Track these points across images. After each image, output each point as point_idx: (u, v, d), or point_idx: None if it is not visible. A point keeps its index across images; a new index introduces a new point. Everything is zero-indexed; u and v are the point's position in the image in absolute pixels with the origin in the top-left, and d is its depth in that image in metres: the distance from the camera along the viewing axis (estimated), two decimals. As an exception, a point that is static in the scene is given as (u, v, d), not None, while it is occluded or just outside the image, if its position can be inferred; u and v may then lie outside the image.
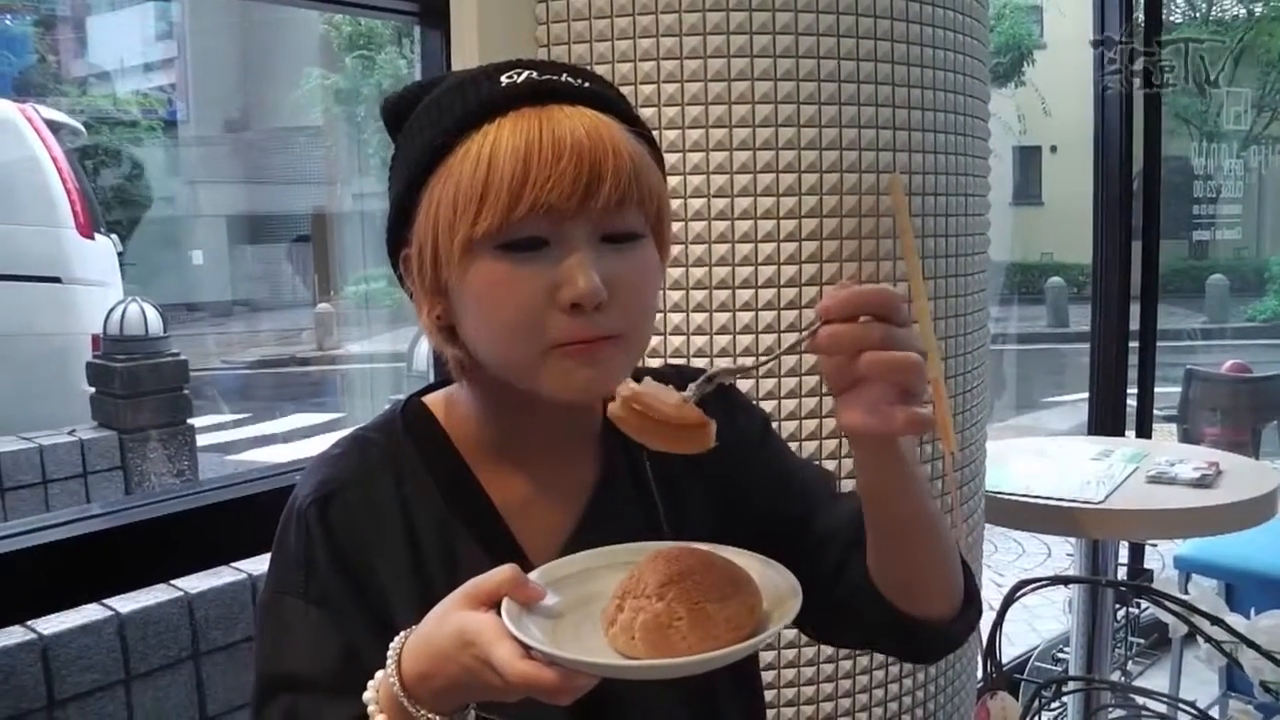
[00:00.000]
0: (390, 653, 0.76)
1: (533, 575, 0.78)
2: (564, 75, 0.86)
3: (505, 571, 0.74)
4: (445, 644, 0.73)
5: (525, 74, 0.85)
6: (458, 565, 0.76)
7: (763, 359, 0.89)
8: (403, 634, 0.77)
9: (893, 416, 0.76)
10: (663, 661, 0.73)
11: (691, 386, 0.79)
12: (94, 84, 12.18)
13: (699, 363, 1.53)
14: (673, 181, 1.52)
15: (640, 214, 0.85)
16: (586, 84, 0.87)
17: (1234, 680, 3.00)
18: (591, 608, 0.78)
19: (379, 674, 0.77)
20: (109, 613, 1.40)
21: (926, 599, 0.92)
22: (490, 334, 0.86)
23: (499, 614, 0.72)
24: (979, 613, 0.98)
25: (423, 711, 0.75)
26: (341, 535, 0.88)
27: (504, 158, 0.80)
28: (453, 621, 0.73)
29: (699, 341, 1.54)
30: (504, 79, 0.84)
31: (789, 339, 1.53)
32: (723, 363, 1.53)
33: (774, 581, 0.80)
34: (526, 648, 0.70)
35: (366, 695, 0.77)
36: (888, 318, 0.75)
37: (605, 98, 0.87)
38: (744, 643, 0.74)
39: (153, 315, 3.92)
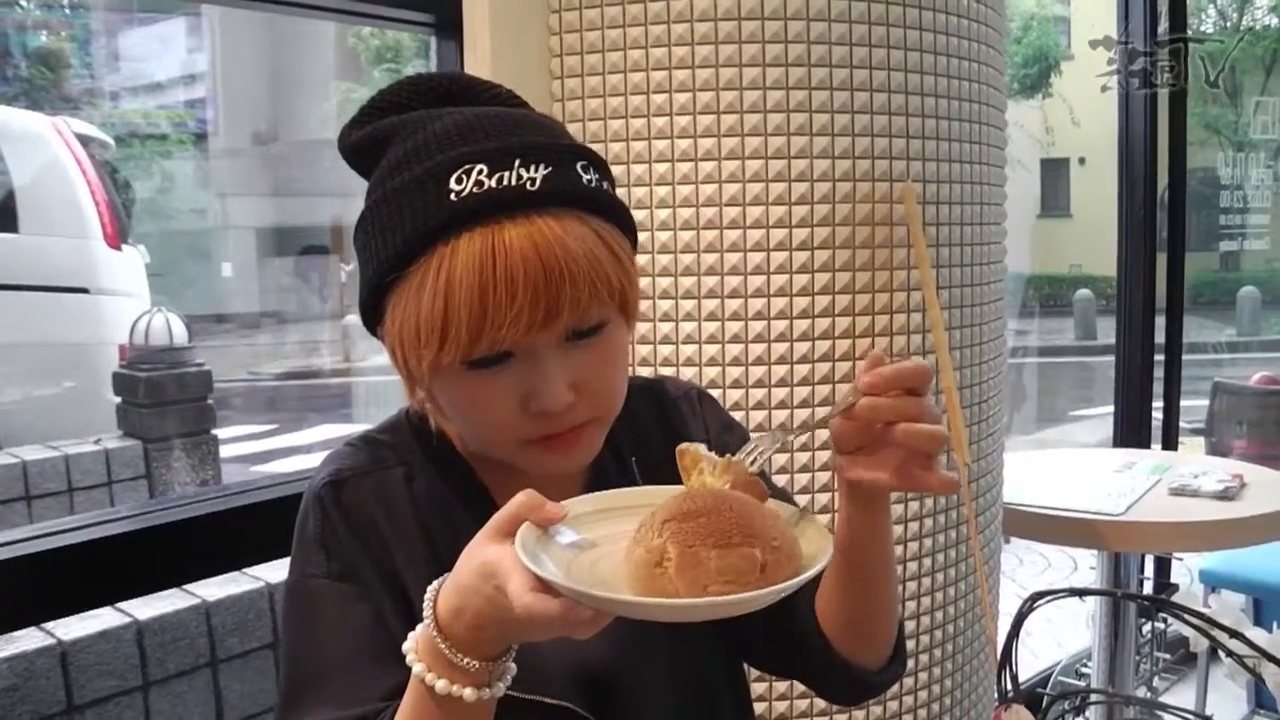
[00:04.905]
0: (427, 596, 0.77)
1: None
2: (516, 165, 0.82)
3: (521, 496, 0.75)
4: (470, 578, 0.74)
5: (475, 174, 0.82)
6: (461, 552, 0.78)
7: (798, 430, 0.94)
8: (438, 580, 0.78)
9: (926, 479, 0.83)
10: (633, 599, 0.69)
11: (741, 455, 0.83)
12: (124, 97, 12.33)
13: (711, 373, 1.53)
14: (685, 191, 1.52)
15: (604, 306, 0.85)
16: (541, 170, 0.83)
17: (1262, 697, 2.95)
18: (613, 546, 0.76)
19: (419, 626, 0.78)
20: (127, 619, 1.41)
21: (864, 645, 0.99)
22: (467, 431, 0.93)
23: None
24: (903, 667, 1.05)
25: (460, 655, 0.75)
26: (356, 515, 0.92)
27: (459, 295, 0.80)
28: (477, 555, 0.74)
29: (711, 350, 1.54)
30: (453, 185, 0.82)
31: (801, 349, 1.53)
32: (751, 394, 1.53)
33: (813, 544, 0.77)
34: (539, 579, 0.68)
35: (405, 645, 0.78)
36: (918, 391, 0.81)
37: (559, 191, 0.83)
38: (725, 597, 0.68)
39: (177, 325, 3.97)
